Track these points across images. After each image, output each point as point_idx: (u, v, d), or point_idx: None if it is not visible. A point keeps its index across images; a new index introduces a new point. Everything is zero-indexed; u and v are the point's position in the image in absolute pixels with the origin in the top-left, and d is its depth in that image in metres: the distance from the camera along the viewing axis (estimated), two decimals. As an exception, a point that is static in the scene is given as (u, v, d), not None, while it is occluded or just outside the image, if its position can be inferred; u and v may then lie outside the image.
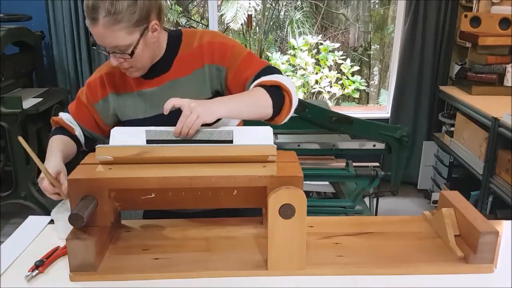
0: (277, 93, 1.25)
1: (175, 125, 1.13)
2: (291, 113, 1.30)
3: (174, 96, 1.18)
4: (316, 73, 4.97)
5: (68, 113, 1.42)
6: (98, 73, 1.40)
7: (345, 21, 5.77)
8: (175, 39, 1.35)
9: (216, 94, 1.35)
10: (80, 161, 1.16)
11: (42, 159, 1.22)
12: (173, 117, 1.13)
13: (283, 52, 5.50)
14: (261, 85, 1.25)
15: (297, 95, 1.31)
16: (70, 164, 1.23)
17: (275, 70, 1.31)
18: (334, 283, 1.08)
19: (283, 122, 1.30)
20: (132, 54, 1.22)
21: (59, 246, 1.20)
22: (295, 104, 1.29)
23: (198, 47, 1.33)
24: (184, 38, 1.35)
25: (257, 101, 1.23)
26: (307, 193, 2.79)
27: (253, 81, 1.28)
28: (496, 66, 3.13)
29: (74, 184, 1.06)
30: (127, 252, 1.17)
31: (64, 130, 1.40)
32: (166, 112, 1.13)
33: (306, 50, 4.95)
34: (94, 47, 1.29)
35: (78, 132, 1.41)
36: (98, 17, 1.16)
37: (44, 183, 1.19)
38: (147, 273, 1.09)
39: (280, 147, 1.16)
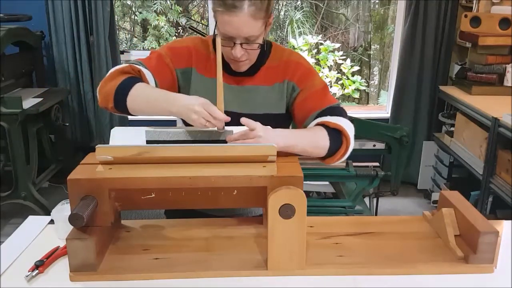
0: (337, 138, 1.25)
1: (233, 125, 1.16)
2: (344, 158, 1.30)
3: (250, 100, 1.22)
4: (316, 73, 4.97)
5: (145, 67, 1.29)
6: (182, 43, 1.35)
7: (345, 21, 5.77)
8: (266, 48, 1.34)
9: (286, 111, 1.37)
10: (80, 161, 1.16)
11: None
12: (233, 121, 1.15)
13: (283, 52, 5.48)
14: (323, 124, 1.26)
15: (353, 140, 1.30)
16: (70, 165, 1.23)
17: (341, 112, 1.30)
18: (334, 283, 1.08)
19: (332, 164, 1.31)
20: (260, 45, 1.23)
21: (59, 246, 1.19)
22: (350, 151, 1.29)
23: (285, 62, 1.34)
24: (273, 50, 1.36)
25: (315, 142, 1.24)
26: (307, 193, 2.79)
27: (318, 116, 1.29)
28: (496, 66, 3.13)
29: (74, 184, 1.06)
30: (127, 252, 1.17)
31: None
32: (242, 122, 1.14)
33: (306, 50, 4.95)
34: (214, 38, 1.23)
35: None
36: (243, 5, 1.15)
37: (217, 111, 1.13)
38: (147, 273, 1.09)
39: (280, 147, 1.16)
